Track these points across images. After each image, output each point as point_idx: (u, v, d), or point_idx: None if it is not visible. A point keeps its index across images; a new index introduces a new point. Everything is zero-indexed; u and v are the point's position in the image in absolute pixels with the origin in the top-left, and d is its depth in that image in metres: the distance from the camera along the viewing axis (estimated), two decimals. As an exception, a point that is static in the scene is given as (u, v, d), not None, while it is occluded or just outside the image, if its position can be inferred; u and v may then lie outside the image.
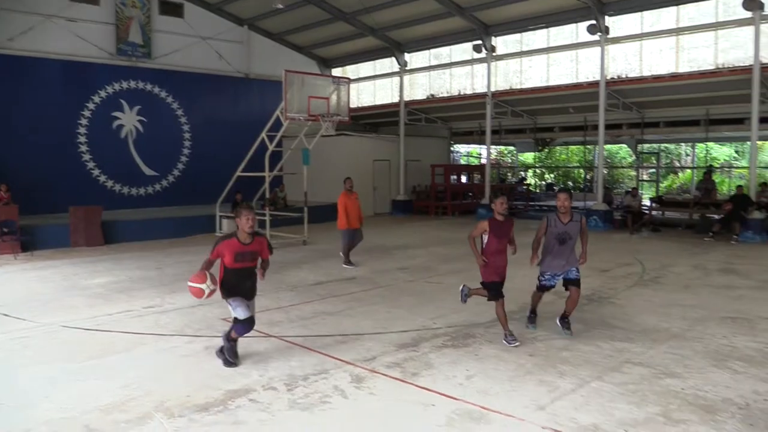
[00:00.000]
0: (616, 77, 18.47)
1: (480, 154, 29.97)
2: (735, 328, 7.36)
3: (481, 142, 24.02)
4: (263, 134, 15.44)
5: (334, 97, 15.23)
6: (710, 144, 27.24)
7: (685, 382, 5.58)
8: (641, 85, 18.24)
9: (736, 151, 32.62)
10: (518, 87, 21.03)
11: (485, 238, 6.80)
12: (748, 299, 8.95)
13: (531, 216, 21.65)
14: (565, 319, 7.11)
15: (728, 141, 28.71)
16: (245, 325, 5.97)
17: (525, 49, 20.63)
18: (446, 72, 23.34)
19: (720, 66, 16.68)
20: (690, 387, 5.46)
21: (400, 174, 24.05)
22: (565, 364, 6.05)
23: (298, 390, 5.37)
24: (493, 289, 6.77)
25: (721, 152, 32.08)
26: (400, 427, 4.67)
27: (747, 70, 15.59)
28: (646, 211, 18.95)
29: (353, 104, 21.87)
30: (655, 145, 26.30)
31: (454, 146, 29.55)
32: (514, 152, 35.65)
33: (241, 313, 5.91)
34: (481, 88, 21.74)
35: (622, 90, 18.85)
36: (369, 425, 4.70)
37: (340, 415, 4.86)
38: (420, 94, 24.16)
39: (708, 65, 16.92)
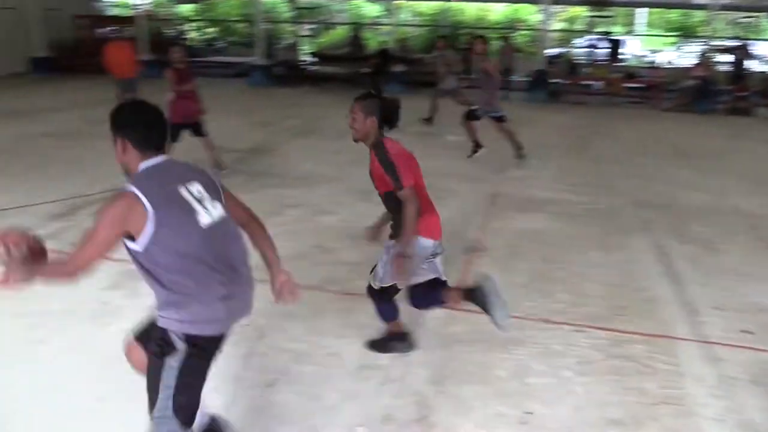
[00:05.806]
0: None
1: (133, 4, 26.94)
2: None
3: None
4: None
5: None
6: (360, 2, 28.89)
7: (335, 216, 6.33)
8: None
9: (386, 9, 34.94)
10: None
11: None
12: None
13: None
14: None
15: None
16: None
17: None
18: None
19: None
20: (340, 220, 6.20)
21: (37, 26, 20.34)
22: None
23: None
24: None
25: (371, 10, 34.20)
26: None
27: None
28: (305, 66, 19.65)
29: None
30: (312, 0, 26.80)
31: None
32: (172, 3, 32.93)
33: None
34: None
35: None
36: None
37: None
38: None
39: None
